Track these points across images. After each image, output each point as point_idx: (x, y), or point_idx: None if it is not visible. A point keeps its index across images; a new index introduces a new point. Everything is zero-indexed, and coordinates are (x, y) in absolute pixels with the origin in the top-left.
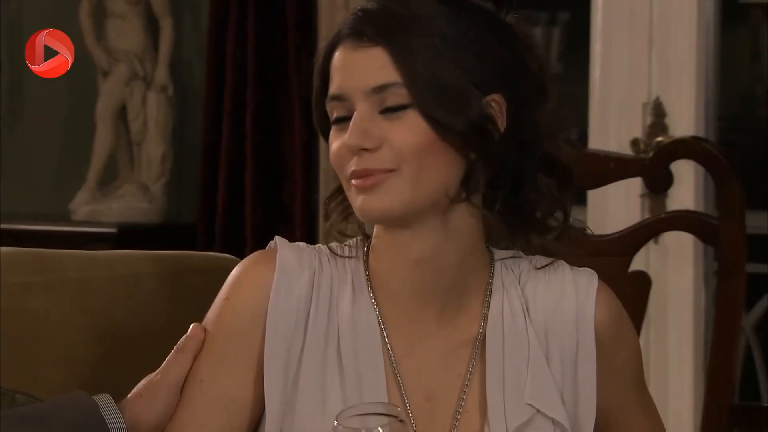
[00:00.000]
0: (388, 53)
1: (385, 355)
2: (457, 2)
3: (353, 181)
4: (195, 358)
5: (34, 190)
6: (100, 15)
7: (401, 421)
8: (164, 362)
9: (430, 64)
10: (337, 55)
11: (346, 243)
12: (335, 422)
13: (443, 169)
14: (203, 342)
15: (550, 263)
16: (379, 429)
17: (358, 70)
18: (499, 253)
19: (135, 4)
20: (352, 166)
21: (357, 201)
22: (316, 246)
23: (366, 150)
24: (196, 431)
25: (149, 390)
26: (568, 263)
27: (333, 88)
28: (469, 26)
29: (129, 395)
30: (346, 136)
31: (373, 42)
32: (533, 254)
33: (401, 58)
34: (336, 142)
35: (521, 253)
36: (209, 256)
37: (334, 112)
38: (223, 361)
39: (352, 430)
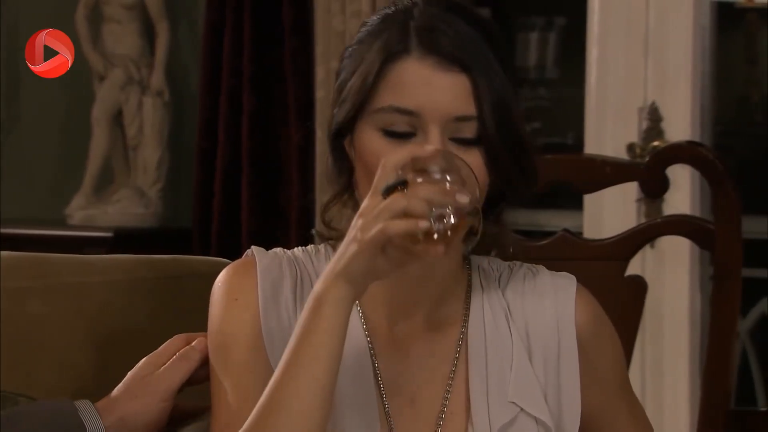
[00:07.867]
0: (471, 83)
1: (371, 361)
2: (489, 29)
3: None
4: (195, 369)
5: (31, 195)
6: (96, 19)
7: None
8: (163, 366)
9: (498, 101)
10: (411, 66)
11: (307, 248)
12: None
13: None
14: (206, 356)
15: (525, 268)
16: None
17: (442, 93)
18: (475, 258)
19: (131, 8)
20: None
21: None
22: (290, 252)
23: None
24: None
25: (144, 390)
26: (562, 269)
27: (405, 101)
28: (501, 53)
29: (116, 393)
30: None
31: (459, 67)
32: (512, 259)
33: (479, 91)
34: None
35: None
36: (206, 260)
37: (395, 123)
38: (243, 371)
39: None
